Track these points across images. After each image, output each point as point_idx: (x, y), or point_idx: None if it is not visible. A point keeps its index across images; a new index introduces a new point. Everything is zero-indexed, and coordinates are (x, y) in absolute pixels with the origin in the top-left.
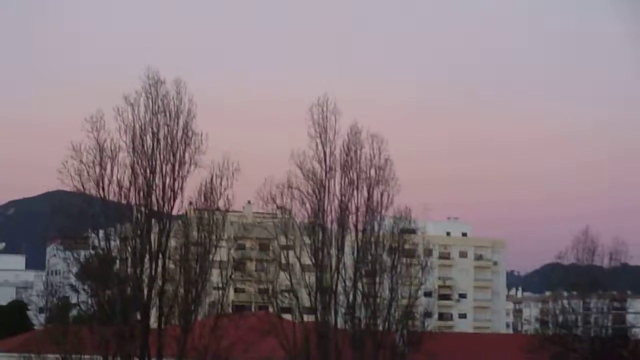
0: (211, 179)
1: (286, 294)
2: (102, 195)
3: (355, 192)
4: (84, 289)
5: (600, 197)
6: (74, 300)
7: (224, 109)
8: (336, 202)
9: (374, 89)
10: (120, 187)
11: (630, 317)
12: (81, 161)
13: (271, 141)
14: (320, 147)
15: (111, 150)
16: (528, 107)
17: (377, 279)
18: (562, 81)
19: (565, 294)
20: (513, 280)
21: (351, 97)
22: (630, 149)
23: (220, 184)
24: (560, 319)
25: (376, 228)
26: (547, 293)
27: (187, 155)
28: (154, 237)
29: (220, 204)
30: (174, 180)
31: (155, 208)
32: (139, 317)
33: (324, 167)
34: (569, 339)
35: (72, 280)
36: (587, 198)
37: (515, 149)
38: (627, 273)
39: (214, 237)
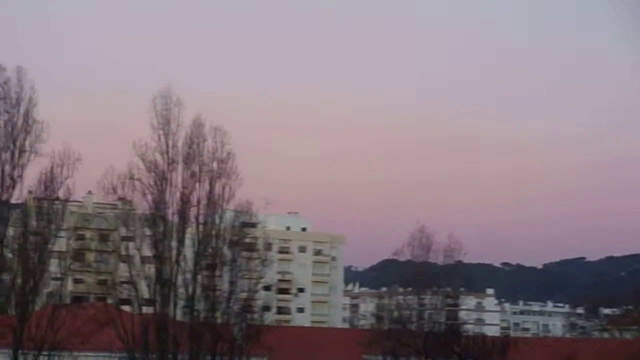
0: (52, 168)
1: (125, 286)
2: None
3: (197, 184)
4: None
5: (439, 194)
6: None
7: (65, 94)
8: (178, 194)
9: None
10: None
11: (462, 314)
12: None
13: (114, 131)
14: (162, 138)
15: None
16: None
17: (217, 272)
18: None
19: (400, 290)
20: (351, 275)
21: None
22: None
23: (61, 173)
24: (396, 314)
25: (217, 221)
26: (383, 289)
27: (27, 143)
28: None
29: (61, 193)
30: (14, 168)
31: None
32: None
33: (166, 158)
34: (403, 334)
35: None
36: (426, 195)
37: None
38: (461, 270)
39: (53, 226)
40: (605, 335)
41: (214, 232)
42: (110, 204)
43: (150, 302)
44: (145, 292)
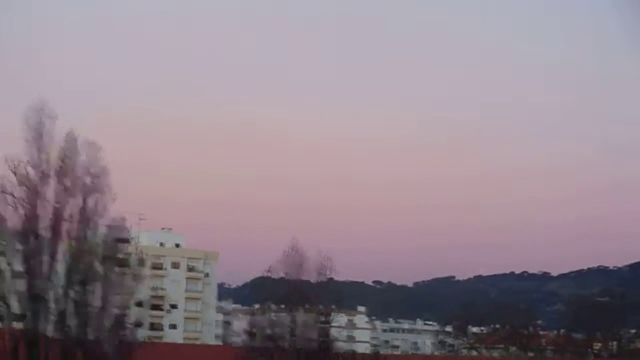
0: None
1: None
2: None
3: (70, 199)
4: None
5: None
6: None
7: None
8: (50, 208)
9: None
10: None
11: (334, 331)
12: None
13: None
14: (35, 152)
15: None
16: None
17: (89, 288)
18: None
19: (273, 307)
20: (224, 292)
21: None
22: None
23: None
24: (268, 331)
25: (90, 236)
26: (256, 306)
27: None
28: None
29: None
30: None
31: None
32: None
33: (38, 172)
34: (276, 351)
35: None
36: (297, 214)
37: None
38: (333, 288)
39: None
40: (473, 353)
41: (86, 248)
42: None
43: (21, 317)
44: (16, 307)
